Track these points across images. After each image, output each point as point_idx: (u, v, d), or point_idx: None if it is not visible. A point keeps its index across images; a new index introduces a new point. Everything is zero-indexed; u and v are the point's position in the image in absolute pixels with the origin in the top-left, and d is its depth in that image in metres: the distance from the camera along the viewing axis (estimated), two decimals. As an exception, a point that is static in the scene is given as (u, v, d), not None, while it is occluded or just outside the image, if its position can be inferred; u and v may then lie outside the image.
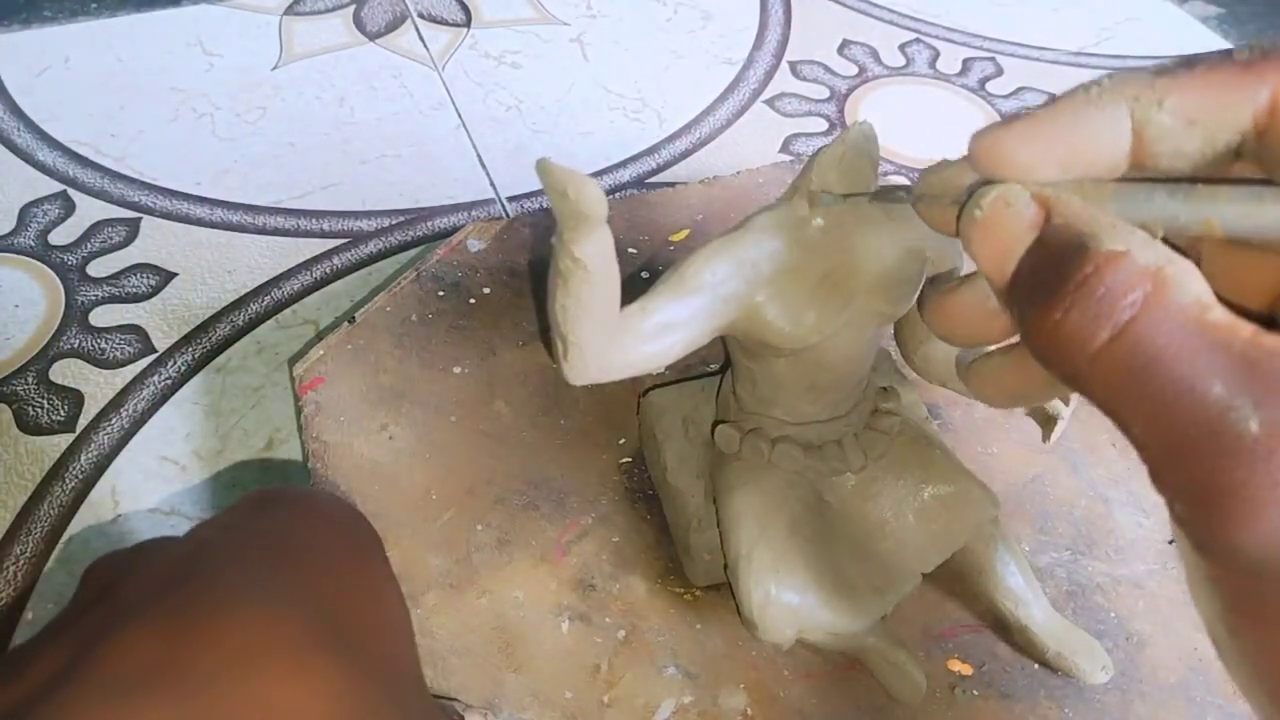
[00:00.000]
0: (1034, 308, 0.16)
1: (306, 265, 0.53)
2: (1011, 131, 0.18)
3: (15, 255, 0.52)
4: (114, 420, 0.45)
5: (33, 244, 0.52)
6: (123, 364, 0.47)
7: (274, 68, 0.65)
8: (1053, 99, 0.18)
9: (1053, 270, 0.16)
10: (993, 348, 0.21)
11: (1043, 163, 0.18)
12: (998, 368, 0.20)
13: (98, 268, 0.51)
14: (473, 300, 0.46)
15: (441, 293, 0.47)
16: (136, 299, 0.50)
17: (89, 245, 0.53)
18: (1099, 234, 0.16)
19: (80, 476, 0.43)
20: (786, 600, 0.31)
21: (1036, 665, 0.36)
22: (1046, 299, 0.15)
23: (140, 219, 0.54)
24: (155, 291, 0.51)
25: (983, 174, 0.18)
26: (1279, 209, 0.16)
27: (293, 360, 0.47)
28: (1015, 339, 0.20)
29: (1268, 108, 0.16)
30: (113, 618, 0.19)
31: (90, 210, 0.55)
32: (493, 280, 0.47)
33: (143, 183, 0.57)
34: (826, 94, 0.67)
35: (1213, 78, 0.17)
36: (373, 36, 0.69)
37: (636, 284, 0.35)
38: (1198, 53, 0.17)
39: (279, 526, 0.23)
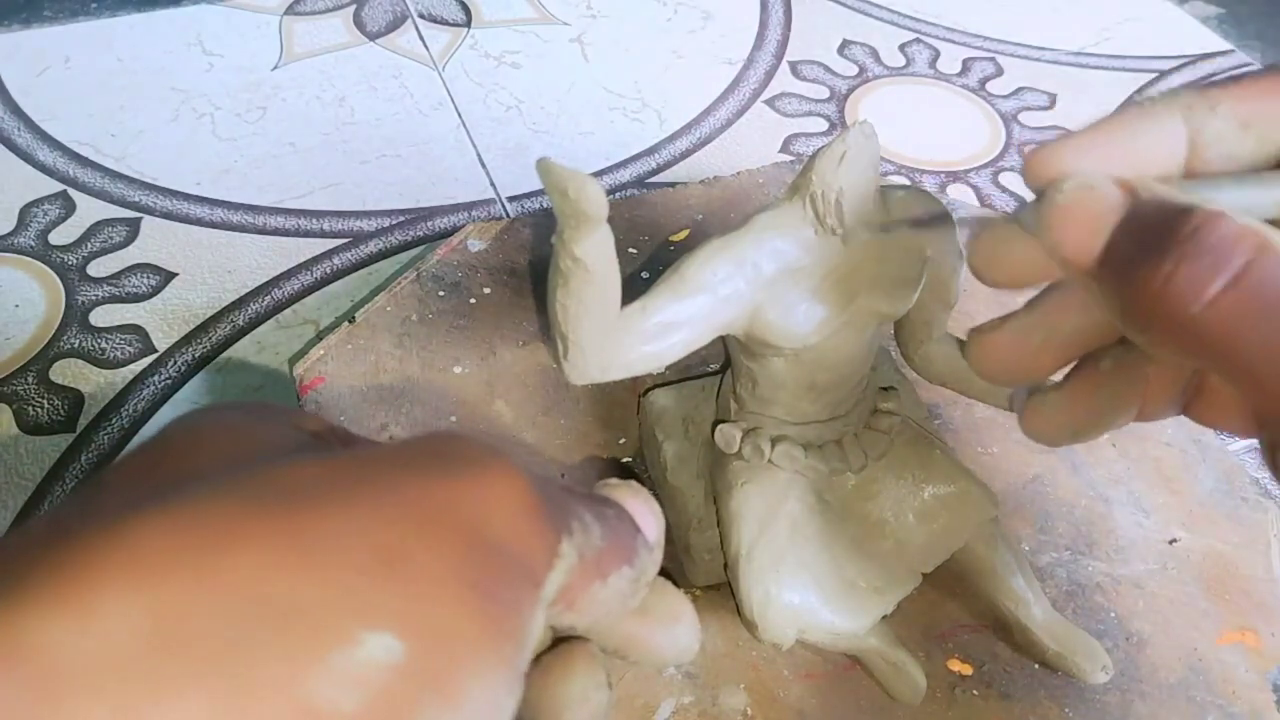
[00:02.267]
0: (1139, 268, 0.16)
1: (307, 265, 0.53)
2: (1068, 145, 0.18)
3: (15, 255, 0.52)
4: (114, 420, 0.45)
5: (33, 244, 0.52)
6: (123, 364, 0.47)
7: (274, 68, 0.65)
8: (1111, 115, 0.19)
9: (1156, 232, 0.16)
10: (1048, 385, 0.21)
11: (1101, 172, 0.18)
12: (1055, 404, 0.20)
13: (98, 268, 0.51)
14: (473, 300, 0.46)
15: (442, 293, 0.47)
16: (136, 299, 0.50)
17: (89, 245, 0.53)
18: (1194, 204, 0.16)
19: (80, 476, 0.43)
20: (786, 600, 0.31)
21: (1036, 665, 0.36)
22: (1154, 256, 0.16)
23: (140, 219, 0.54)
24: (155, 291, 0.51)
25: (1040, 188, 0.18)
26: None
27: (293, 360, 0.47)
28: (1066, 371, 0.20)
29: None
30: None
31: (90, 210, 0.55)
32: (493, 280, 0.47)
33: (143, 183, 0.57)
34: (826, 94, 0.67)
35: (1265, 84, 0.17)
36: (373, 36, 0.69)
37: (636, 284, 0.35)
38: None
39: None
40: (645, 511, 0.18)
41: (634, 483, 0.18)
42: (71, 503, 0.13)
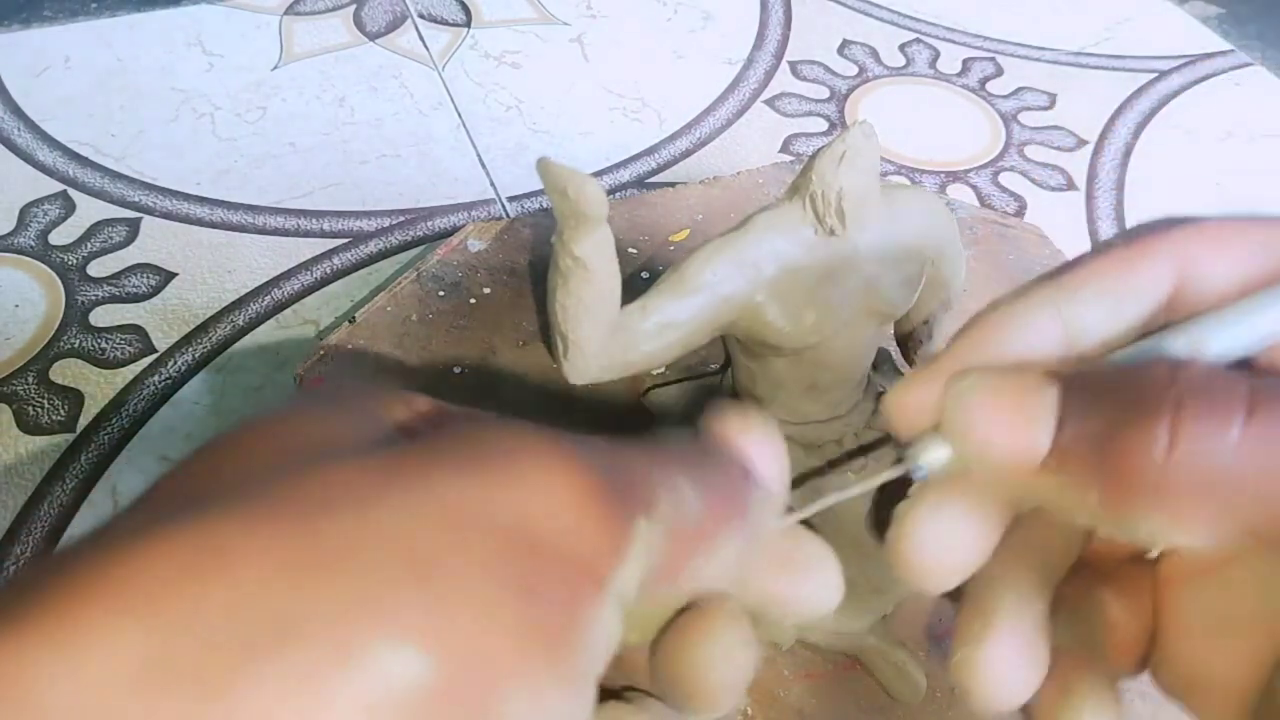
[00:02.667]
0: (1124, 438, 0.13)
1: (306, 265, 0.53)
2: (929, 371, 0.16)
3: (15, 255, 0.52)
4: (114, 420, 0.45)
5: (33, 244, 0.52)
6: (123, 364, 0.47)
7: (274, 68, 0.65)
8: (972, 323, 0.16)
9: (1122, 392, 0.13)
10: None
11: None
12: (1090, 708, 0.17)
13: (98, 268, 0.51)
14: (473, 300, 0.46)
15: (442, 293, 0.47)
16: (136, 299, 0.50)
17: (89, 245, 0.53)
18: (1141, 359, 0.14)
19: (80, 476, 0.43)
20: (787, 600, 0.31)
21: (1037, 665, 0.36)
22: (1141, 418, 0.13)
23: (140, 219, 0.54)
24: (155, 291, 0.51)
25: (912, 436, 0.16)
26: (1266, 316, 0.15)
27: (293, 360, 0.47)
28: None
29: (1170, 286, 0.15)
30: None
31: (90, 210, 0.55)
32: (493, 280, 0.47)
33: (143, 183, 0.57)
34: (826, 94, 0.67)
35: (1118, 257, 0.16)
36: (373, 36, 0.69)
37: (636, 284, 0.35)
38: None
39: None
40: (762, 448, 0.15)
41: (749, 411, 0.16)
42: (112, 521, 0.12)
